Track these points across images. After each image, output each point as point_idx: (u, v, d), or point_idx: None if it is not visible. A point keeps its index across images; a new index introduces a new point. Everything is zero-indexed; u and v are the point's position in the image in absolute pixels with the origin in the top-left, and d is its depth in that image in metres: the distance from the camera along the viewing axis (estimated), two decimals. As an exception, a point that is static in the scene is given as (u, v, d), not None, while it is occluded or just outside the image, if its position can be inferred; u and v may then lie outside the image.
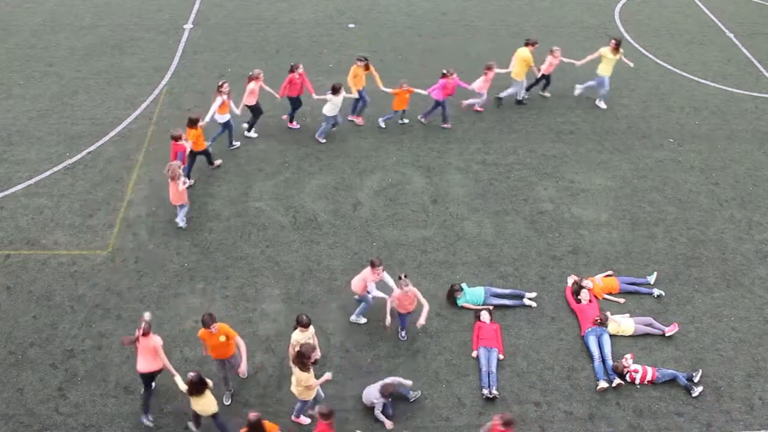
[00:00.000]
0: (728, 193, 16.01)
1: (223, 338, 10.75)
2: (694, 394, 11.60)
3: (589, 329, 12.32)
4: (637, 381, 11.72)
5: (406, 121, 17.57)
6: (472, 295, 12.84)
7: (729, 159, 17.14)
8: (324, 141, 16.79)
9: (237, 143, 16.63)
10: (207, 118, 15.46)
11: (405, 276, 11.87)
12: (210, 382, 10.21)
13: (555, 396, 11.60)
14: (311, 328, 11.08)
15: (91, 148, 16.41)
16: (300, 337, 10.87)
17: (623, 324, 12.47)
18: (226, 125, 15.95)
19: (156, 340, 10.63)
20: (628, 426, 11.21)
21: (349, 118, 17.48)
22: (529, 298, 13.05)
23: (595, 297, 13.03)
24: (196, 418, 10.59)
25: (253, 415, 9.54)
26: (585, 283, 13.03)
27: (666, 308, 13.17)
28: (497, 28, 22.55)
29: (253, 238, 14.20)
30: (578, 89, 18.54)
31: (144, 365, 10.70)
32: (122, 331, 12.16)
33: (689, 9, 24.72)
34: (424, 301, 11.91)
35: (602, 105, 18.51)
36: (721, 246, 14.64)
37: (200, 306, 12.71)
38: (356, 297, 12.40)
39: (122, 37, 21.04)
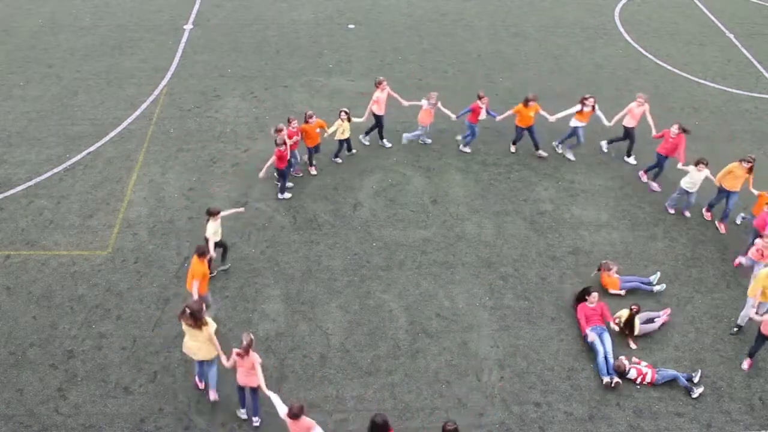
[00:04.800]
0: (728, 193, 15.98)
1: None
2: (694, 395, 11.58)
3: (589, 328, 12.28)
4: (638, 381, 11.71)
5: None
6: None
7: (729, 159, 17.00)
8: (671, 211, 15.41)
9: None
10: (557, 116, 16.33)
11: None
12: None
13: (555, 396, 11.60)
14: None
15: (91, 149, 16.42)
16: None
17: (622, 314, 12.60)
18: (575, 131, 16.38)
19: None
20: (628, 426, 11.20)
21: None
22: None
23: (605, 286, 13.29)
24: None
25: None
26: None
27: (665, 308, 13.16)
28: (497, 28, 22.57)
29: (253, 239, 14.20)
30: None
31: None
32: (122, 332, 12.18)
33: (689, 9, 24.73)
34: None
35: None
36: (721, 246, 14.63)
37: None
38: None
39: (122, 38, 21.06)
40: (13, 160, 15.96)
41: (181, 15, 22.49)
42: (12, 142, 16.55)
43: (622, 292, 13.26)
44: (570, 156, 16.76)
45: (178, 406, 11.12)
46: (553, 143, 17.09)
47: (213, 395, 11.04)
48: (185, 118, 17.63)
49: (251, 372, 10.32)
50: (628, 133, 16.49)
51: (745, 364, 12.15)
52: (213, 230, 12.56)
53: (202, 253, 11.64)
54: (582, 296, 12.61)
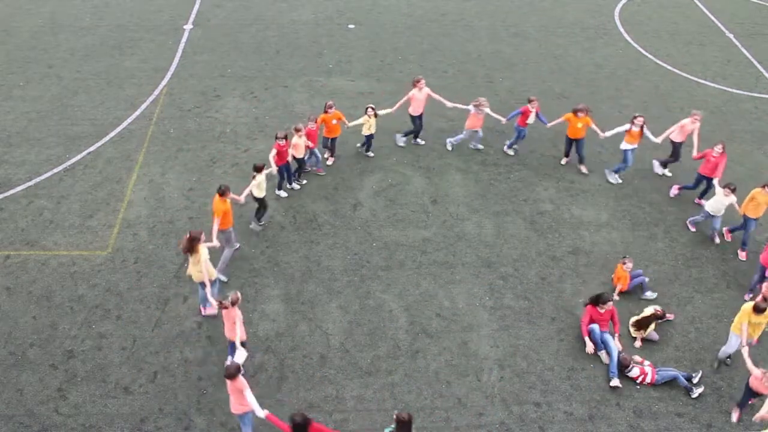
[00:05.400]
0: (728, 193, 15.97)
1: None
2: (693, 395, 11.59)
3: (591, 327, 12.23)
4: (638, 380, 11.71)
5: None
6: None
7: (729, 159, 17.01)
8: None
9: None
10: (608, 134, 15.91)
11: None
12: None
13: (555, 396, 11.60)
14: None
15: (91, 149, 16.42)
16: None
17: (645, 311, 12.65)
18: (626, 155, 15.83)
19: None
20: (628, 426, 11.20)
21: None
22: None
23: (617, 281, 13.27)
24: None
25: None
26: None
27: (666, 309, 13.15)
28: (497, 28, 22.57)
29: (253, 239, 14.20)
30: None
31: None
32: (122, 332, 12.18)
33: (689, 9, 24.73)
34: None
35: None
36: (721, 246, 14.63)
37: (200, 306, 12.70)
38: None
39: (122, 38, 21.06)
40: (13, 160, 15.96)
41: (181, 15, 22.50)
42: (12, 142, 16.55)
43: (617, 298, 13.24)
44: (612, 180, 16.29)
45: (178, 406, 11.12)
46: (605, 172, 16.46)
47: (203, 311, 12.47)
48: (185, 118, 17.63)
49: (232, 327, 10.78)
50: (674, 148, 15.97)
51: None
52: (258, 182, 13.59)
53: (223, 192, 12.47)
54: (596, 300, 12.18)
